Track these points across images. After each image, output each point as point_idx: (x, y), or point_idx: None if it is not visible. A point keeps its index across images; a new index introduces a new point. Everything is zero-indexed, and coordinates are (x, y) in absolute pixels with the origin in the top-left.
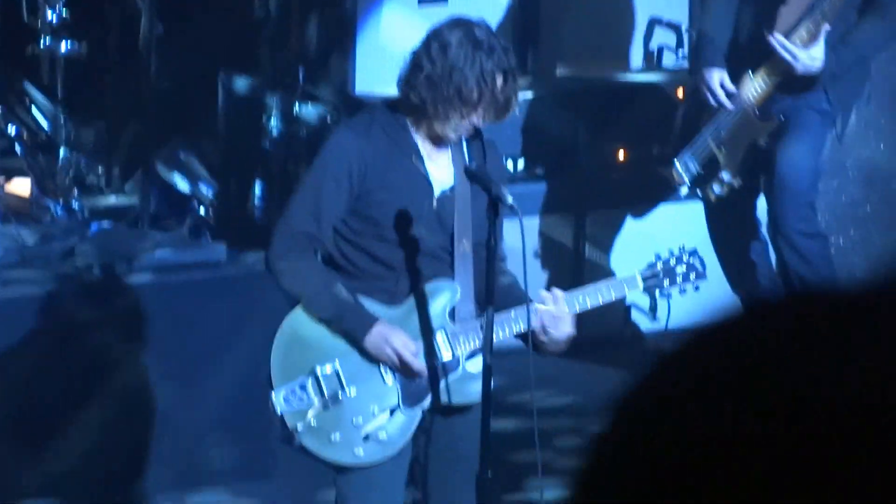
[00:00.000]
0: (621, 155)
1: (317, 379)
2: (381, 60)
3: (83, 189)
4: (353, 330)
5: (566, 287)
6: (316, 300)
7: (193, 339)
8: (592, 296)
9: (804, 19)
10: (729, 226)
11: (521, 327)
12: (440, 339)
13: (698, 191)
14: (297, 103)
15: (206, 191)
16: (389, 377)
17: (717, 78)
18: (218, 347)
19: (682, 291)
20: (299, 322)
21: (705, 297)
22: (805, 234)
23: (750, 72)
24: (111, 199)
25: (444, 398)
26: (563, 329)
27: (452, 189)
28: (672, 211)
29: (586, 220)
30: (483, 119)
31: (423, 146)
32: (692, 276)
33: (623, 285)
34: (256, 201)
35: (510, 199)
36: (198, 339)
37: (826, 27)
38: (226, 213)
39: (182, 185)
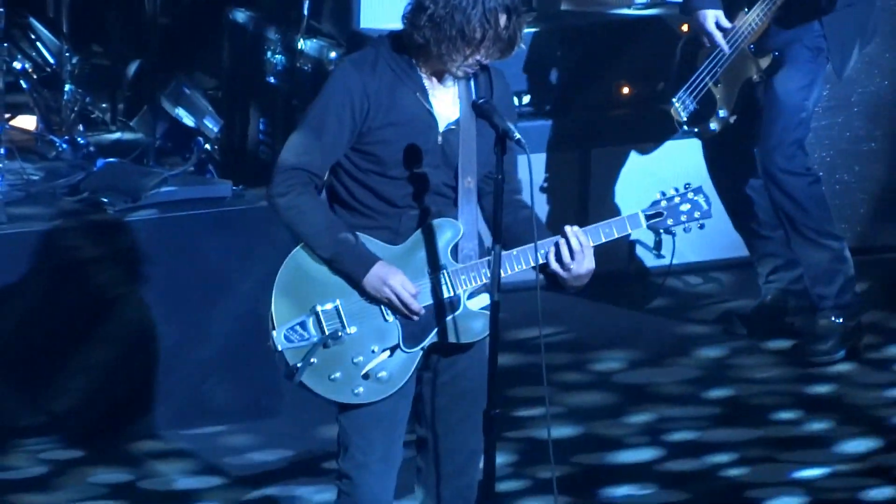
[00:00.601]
0: (626, 90)
1: (317, 317)
2: None
3: (88, 125)
4: (351, 270)
5: (571, 223)
6: (316, 239)
7: (199, 275)
8: (594, 234)
9: None
10: (727, 162)
11: (531, 263)
12: (441, 277)
13: (695, 128)
14: (301, 38)
15: (211, 126)
16: (390, 316)
17: (712, 18)
18: (223, 283)
19: (687, 230)
20: (301, 261)
21: (710, 233)
22: (789, 172)
23: (745, 9)
24: (116, 135)
25: (445, 337)
26: (587, 264)
27: (457, 123)
28: (677, 147)
29: (591, 156)
30: (487, 57)
31: (429, 82)
32: (696, 214)
33: (626, 223)
34: (260, 136)
35: (517, 135)
36: (203, 274)
37: None
38: (230, 148)
39: (187, 120)
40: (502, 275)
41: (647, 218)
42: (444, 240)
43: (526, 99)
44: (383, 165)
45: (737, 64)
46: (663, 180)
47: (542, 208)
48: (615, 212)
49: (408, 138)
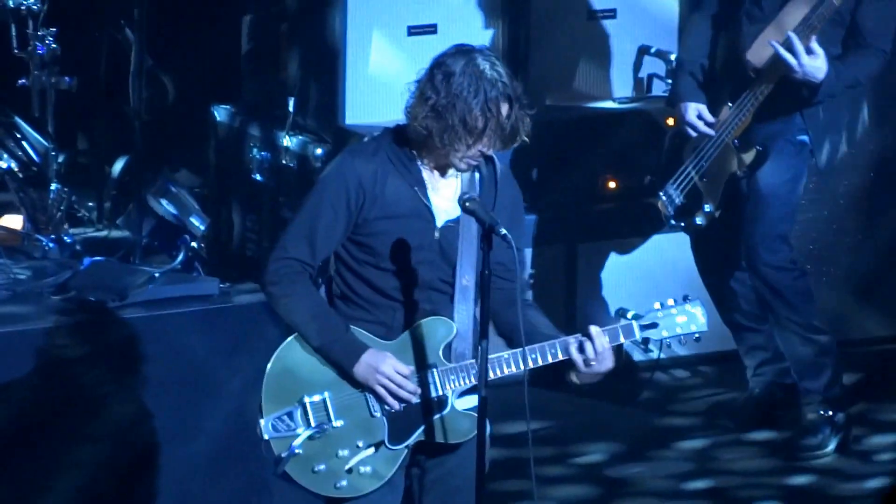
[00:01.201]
0: (611, 184)
1: (305, 408)
2: (369, 91)
3: (75, 223)
4: (342, 358)
5: (560, 318)
6: (306, 327)
7: (186, 373)
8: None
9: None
10: (713, 255)
11: (527, 366)
12: (431, 376)
13: (682, 222)
14: (286, 135)
15: (197, 224)
16: (377, 412)
17: (694, 111)
18: (211, 381)
19: (681, 342)
20: (292, 351)
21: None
22: (774, 266)
23: (729, 103)
24: (103, 233)
25: (431, 436)
26: (607, 363)
27: (457, 221)
28: (664, 241)
29: (578, 250)
30: (490, 147)
31: (429, 176)
32: (692, 327)
33: (619, 333)
34: (247, 233)
35: (503, 230)
36: (191, 372)
37: (814, 39)
38: (217, 245)
39: (173, 218)
40: (505, 371)
41: (642, 328)
42: (437, 338)
43: None
44: (378, 257)
45: (721, 158)
46: (650, 274)
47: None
48: (603, 307)
49: (403, 232)
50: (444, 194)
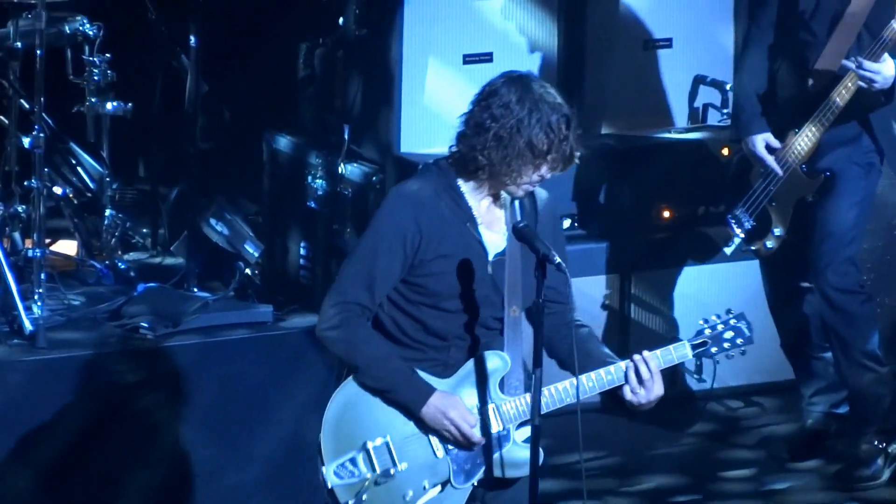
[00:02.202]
0: (666, 213)
1: (368, 453)
2: (425, 119)
3: (129, 249)
4: (409, 401)
5: (614, 347)
6: (370, 371)
7: (240, 399)
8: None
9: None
10: (782, 280)
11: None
12: (489, 412)
13: (752, 246)
14: (341, 162)
15: (252, 251)
16: (441, 451)
17: (762, 142)
18: (264, 407)
19: (730, 357)
20: (349, 395)
21: (751, 356)
22: (842, 290)
23: (795, 129)
24: (157, 260)
25: (496, 471)
26: (656, 390)
27: (504, 253)
28: (717, 270)
29: (631, 279)
30: (551, 170)
31: (477, 210)
32: (739, 340)
33: (672, 354)
34: (301, 261)
35: (557, 259)
36: (244, 398)
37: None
38: (271, 273)
39: (227, 245)
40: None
41: (693, 348)
42: (493, 373)
43: (566, 223)
44: (433, 297)
45: (790, 183)
46: (703, 304)
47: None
48: (656, 336)
49: (458, 270)
50: (493, 228)
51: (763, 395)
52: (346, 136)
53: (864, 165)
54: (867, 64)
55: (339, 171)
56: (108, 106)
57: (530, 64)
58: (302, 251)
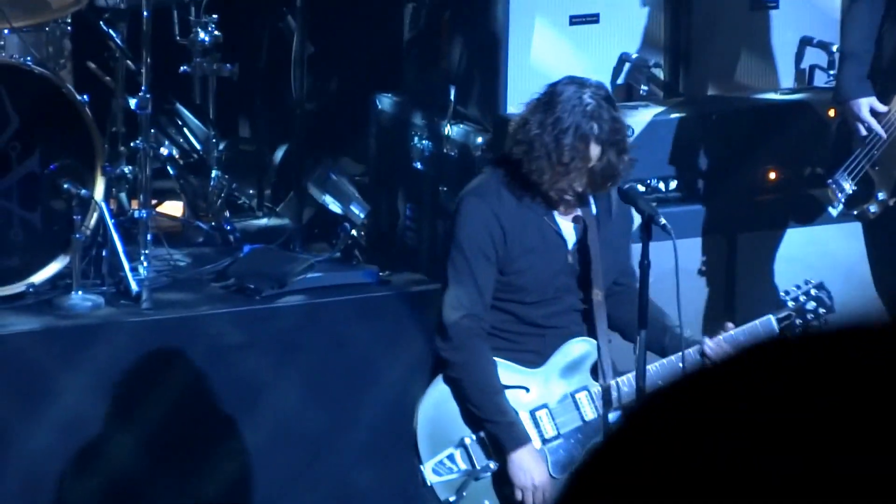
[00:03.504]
0: (772, 175)
1: (466, 449)
2: (531, 80)
3: (235, 210)
4: (503, 441)
5: (719, 309)
6: (478, 400)
7: (346, 362)
8: (733, 342)
9: None
10: (887, 245)
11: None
12: (584, 399)
13: (854, 211)
14: (447, 123)
15: (357, 212)
16: (539, 442)
17: (866, 106)
18: (370, 370)
19: (815, 325)
20: (444, 392)
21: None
22: None
23: None
24: (263, 221)
25: None
26: None
27: (580, 241)
28: (824, 232)
29: (738, 241)
30: (580, 186)
31: (551, 200)
32: (822, 311)
33: (759, 330)
34: (407, 222)
35: (663, 220)
36: (350, 361)
37: None
38: (377, 234)
39: (334, 206)
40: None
41: (779, 321)
42: (583, 360)
43: (673, 184)
44: (521, 292)
45: (894, 146)
46: (810, 266)
47: (688, 294)
48: (762, 299)
49: (542, 262)
50: (567, 216)
51: None
52: (451, 97)
53: None
54: None
55: (445, 132)
56: (215, 67)
57: (636, 25)
58: (408, 212)
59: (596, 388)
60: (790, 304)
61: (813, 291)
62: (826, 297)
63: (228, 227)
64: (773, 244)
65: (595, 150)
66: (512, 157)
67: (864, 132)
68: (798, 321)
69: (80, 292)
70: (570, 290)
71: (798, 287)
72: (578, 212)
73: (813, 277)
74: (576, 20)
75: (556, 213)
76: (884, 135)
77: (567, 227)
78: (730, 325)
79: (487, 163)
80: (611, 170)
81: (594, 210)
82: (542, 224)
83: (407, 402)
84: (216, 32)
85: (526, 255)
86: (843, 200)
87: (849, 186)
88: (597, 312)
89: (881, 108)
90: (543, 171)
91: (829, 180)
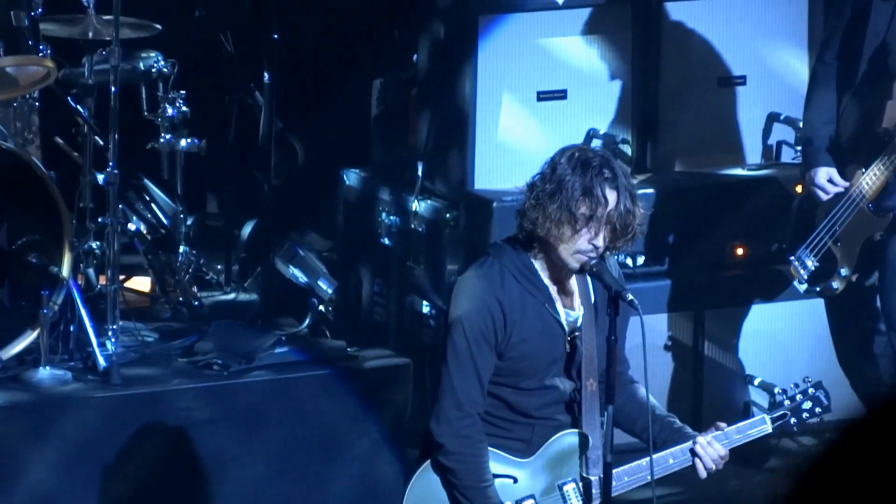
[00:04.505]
0: (740, 251)
1: None
2: (499, 155)
3: (203, 286)
4: None
5: (688, 384)
6: (470, 493)
7: (314, 436)
8: (723, 442)
9: None
10: (849, 321)
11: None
12: (571, 491)
13: (817, 287)
14: (414, 199)
15: (325, 287)
16: None
17: (824, 175)
18: (338, 444)
19: (811, 424)
20: (431, 480)
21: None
22: None
23: (863, 168)
24: (230, 296)
25: None
26: (723, 463)
27: (578, 329)
28: (792, 308)
29: (705, 317)
30: (598, 238)
31: (552, 287)
32: (818, 410)
33: (753, 429)
34: (375, 297)
35: (630, 296)
36: (318, 435)
37: None
38: (345, 309)
39: (301, 281)
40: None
41: (773, 421)
42: (574, 452)
43: (640, 260)
44: (516, 378)
45: (857, 223)
46: (776, 340)
47: (657, 369)
48: (730, 374)
49: (540, 350)
50: (567, 303)
51: (837, 433)
52: (419, 173)
53: None
54: None
55: (413, 208)
56: (182, 142)
57: (604, 100)
58: (376, 287)
59: (584, 480)
60: (786, 402)
61: (810, 391)
62: (823, 396)
63: (196, 303)
64: (740, 319)
65: (612, 196)
66: (520, 231)
67: (823, 198)
68: (793, 420)
69: (47, 367)
70: (564, 378)
71: (796, 386)
72: (578, 301)
73: (784, 353)
74: (543, 96)
75: (556, 302)
76: (841, 189)
77: (566, 316)
78: (722, 424)
79: (490, 245)
80: (629, 217)
81: (593, 298)
82: (543, 311)
83: (375, 478)
84: (184, 108)
85: (525, 342)
86: (806, 277)
87: (811, 263)
88: (589, 403)
89: (840, 181)
90: (563, 231)
91: (792, 257)
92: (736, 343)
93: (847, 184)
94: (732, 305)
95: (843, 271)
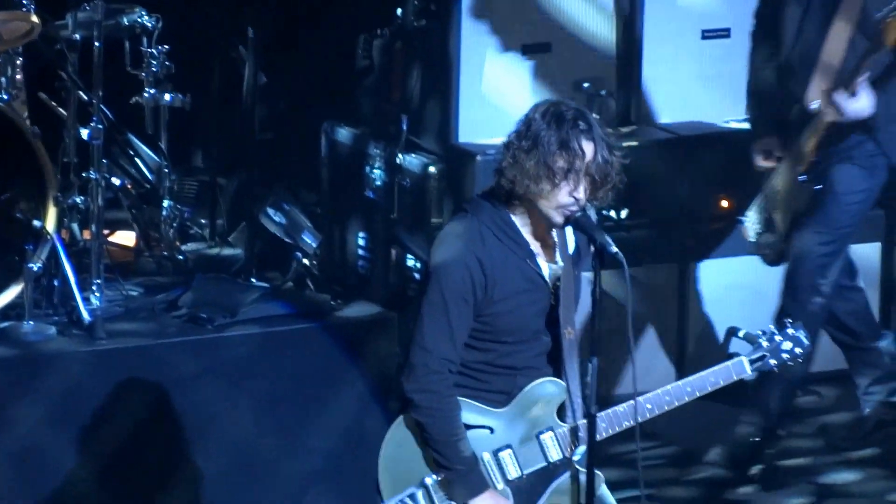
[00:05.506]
0: (724, 203)
1: (427, 489)
2: (484, 109)
3: (187, 240)
4: (463, 489)
5: (671, 337)
6: (440, 446)
7: (298, 389)
8: (700, 385)
9: (840, 77)
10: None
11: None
12: (549, 439)
13: (761, 252)
14: (399, 153)
15: (310, 241)
16: (501, 483)
17: (761, 146)
18: (323, 397)
19: (789, 367)
20: (406, 432)
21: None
22: (842, 285)
23: (799, 141)
24: (215, 250)
25: (558, 498)
26: None
27: (558, 280)
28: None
29: (689, 269)
30: (578, 190)
31: (533, 242)
32: (798, 350)
33: (731, 372)
34: (359, 251)
35: (614, 248)
36: (303, 388)
37: (864, 77)
38: (330, 263)
39: (285, 235)
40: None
41: (752, 363)
42: (550, 400)
43: (624, 213)
44: (500, 333)
45: (790, 192)
46: (763, 294)
47: (641, 322)
48: (715, 327)
49: (524, 305)
50: (548, 256)
51: (821, 384)
52: (404, 127)
53: (867, 167)
54: (836, 99)
55: (398, 162)
56: (166, 97)
57: (588, 54)
58: (360, 241)
59: (562, 428)
60: (765, 344)
61: (790, 331)
62: (804, 336)
63: (181, 257)
64: (726, 271)
65: (589, 147)
66: (499, 189)
67: (763, 166)
68: (772, 361)
69: (31, 322)
70: (545, 330)
71: (777, 326)
72: (557, 253)
73: (767, 302)
74: (528, 49)
75: (537, 256)
76: (771, 165)
77: (547, 270)
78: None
79: (467, 202)
80: (607, 167)
81: (571, 249)
82: (525, 267)
83: (360, 430)
84: (168, 63)
85: (508, 299)
86: (754, 238)
87: (753, 225)
88: (568, 351)
89: (777, 152)
90: (542, 186)
91: (744, 217)
92: (721, 295)
93: (781, 154)
94: (717, 257)
95: (777, 237)
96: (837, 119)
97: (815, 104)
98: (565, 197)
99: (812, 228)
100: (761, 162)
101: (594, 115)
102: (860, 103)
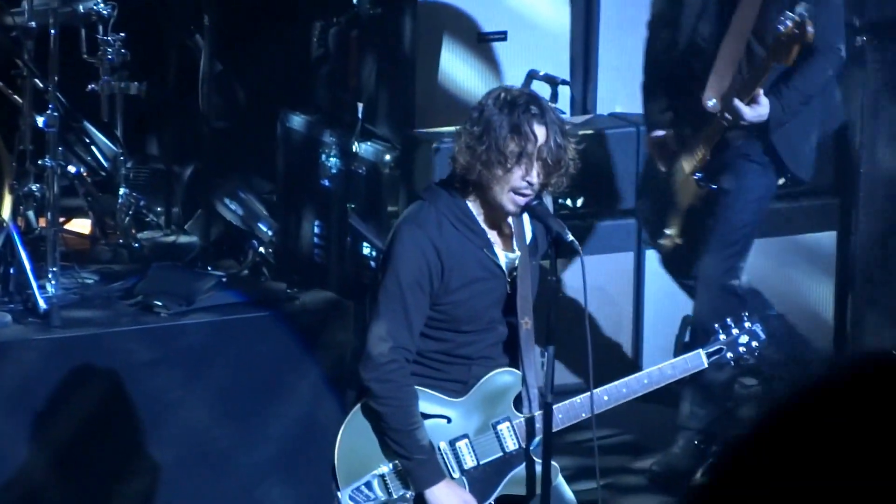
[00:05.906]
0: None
1: (382, 478)
2: (440, 97)
3: (143, 228)
4: (420, 478)
5: (626, 325)
6: (397, 436)
7: (253, 378)
8: (658, 377)
9: (739, 83)
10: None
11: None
12: (505, 430)
13: (657, 241)
14: (355, 141)
15: (265, 229)
16: (457, 472)
17: (655, 140)
18: (278, 386)
19: (745, 362)
20: (364, 420)
21: None
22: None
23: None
24: (171, 238)
25: (512, 489)
26: None
27: (515, 269)
28: None
29: (645, 257)
30: (530, 175)
31: (490, 231)
32: (754, 344)
33: (687, 364)
34: (315, 240)
35: (570, 236)
36: (258, 377)
37: (761, 84)
38: (285, 251)
39: (241, 223)
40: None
41: (709, 356)
42: (506, 391)
43: (580, 201)
44: (456, 322)
45: (684, 189)
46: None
47: (597, 311)
48: (670, 315)
49: (480, 294)
50: (506, 245)
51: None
52: (359, 115)
53: (762, 164)
54: (736, 105)
55: (353, 150)
56: (122, 85)
57: (544, 42)
58: (316, 230)
59: (518, 419)
60: (722, 337)
61: (748, 325)
62: (761, 330)
63: (136, 245)
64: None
65: (541, 131)
66: (454, 176)
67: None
68: (729, 355)
69: None
70: (502, 320)
71: (734, 320)
72: (514, 242)
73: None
74: (484, 38)
75: (494, 245)
76: (663, 169)
77: (504, 259)
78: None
79: (424, 190)
80: (560, 152)
81: (528, 239)
82: (482, 255)
83: (316, 419)
84: (123, 50)
85: (464, 287)
86: (647, 231)
87: (647, 217)
88: (525, 342)
89: (673, 146)
90: (494, 171)
91: (636, 210)
92: (676, 285)
93: (675, 149)
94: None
95: (669, 231)
96: (736, 124)
97: (711, 102)
98: (518, 181)
99: (712, 249)
100: (657, 156)
101: (548, 102)
102: (760, 110)
